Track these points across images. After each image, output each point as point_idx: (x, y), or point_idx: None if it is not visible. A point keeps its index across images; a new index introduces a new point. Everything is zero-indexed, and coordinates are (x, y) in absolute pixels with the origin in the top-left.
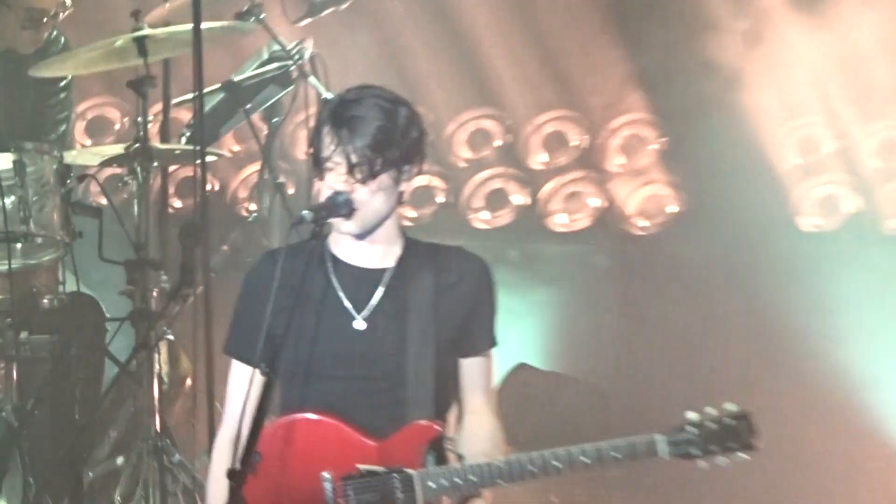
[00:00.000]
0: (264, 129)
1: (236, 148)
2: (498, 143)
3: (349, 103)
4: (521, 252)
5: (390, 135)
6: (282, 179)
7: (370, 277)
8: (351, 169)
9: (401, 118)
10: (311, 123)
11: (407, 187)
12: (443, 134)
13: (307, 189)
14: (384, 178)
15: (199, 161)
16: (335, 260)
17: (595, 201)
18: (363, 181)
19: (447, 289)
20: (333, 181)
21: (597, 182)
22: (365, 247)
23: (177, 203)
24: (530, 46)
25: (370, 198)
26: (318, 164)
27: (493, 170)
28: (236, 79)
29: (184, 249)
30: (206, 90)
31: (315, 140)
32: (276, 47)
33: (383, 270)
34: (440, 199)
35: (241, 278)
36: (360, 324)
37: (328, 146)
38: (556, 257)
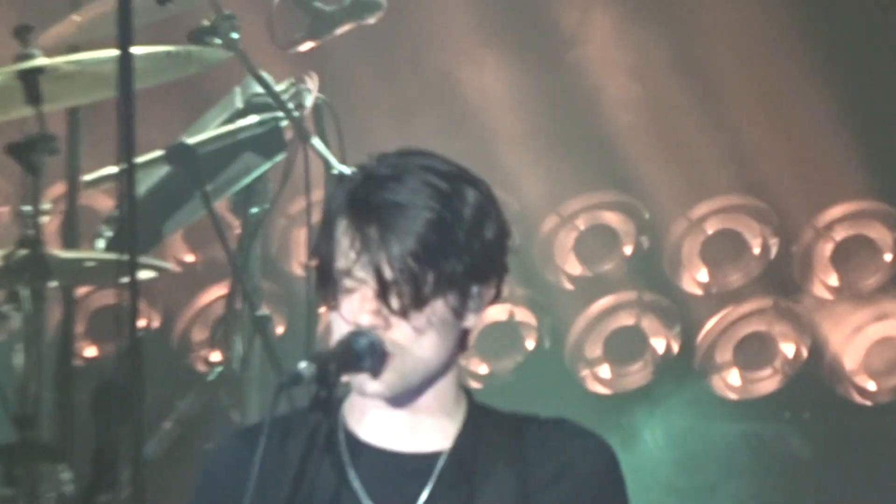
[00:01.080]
0: (236, 227)
1: (190, 258)
2: (628, 249)
3: (382, 182)
4: (665, 430)
5: (449, 234)
6: (265, 311)
7: (411, 469)
8: (384, 291)
9: (467, 207)
10: (317, 216)
11: (475, 322)
12: (536, 235)
13: (308, 326)
14: (438, 308)
15: (126, 279)
16: (353, 442)
17: (789, 348)
18: (404, 312)
19: (543, 488)
20: (355, 311)
21: (792, 317)
22: (403, 420)
23: (89, 349)
24: (683, 85)
25: (414, 340)
26: (328, 284)
27: (618, 295)
28: (190, 141)
29: (100, 428)
30: (140, 159)
31: (324, 244)
32: (257, 88)
33: (433, 457)
34: (530, 343)
35: (195, 472)
36: None
37: (346, 253)
38: (726, 440)
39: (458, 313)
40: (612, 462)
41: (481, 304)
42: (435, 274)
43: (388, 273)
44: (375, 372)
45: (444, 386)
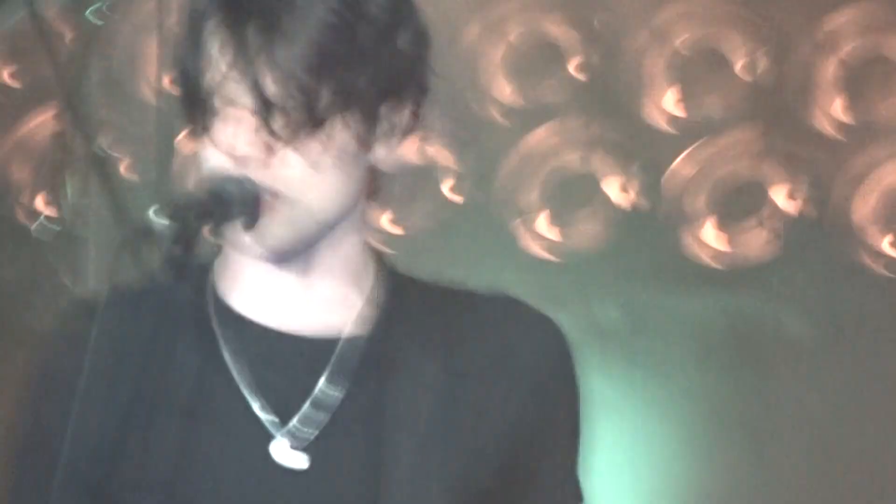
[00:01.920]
0: (67, 34)
1: (6, 75)
2: (572, 66)
3: None
4: (622, 303)
5: (351, 37)
6: (106, 148)
7: (304, 353)
8: (266, 110)
9: (374, 4)
10: (174, 19)
11: (385, 157)
12: (455, 49)
13: (159, 164)
14: (337, 133)
15: None
16: (227, 316)
17: (780, 194)
18: (293, 137)
19: (476, 380)
20: (230, 139)
21: (784, 155)
22: (294, 288)
23: None
24: None
25: (307, 175)
26: (193, 106)
27: (559, 125)
28: None
29: None
30: None
31: (187, 52)
32: None
33: (332, 339)
34: (447, 189)
35: (20, 354)
36: (288, 453)
37: (216, 63)
38: (700, 317)
39: (363, 141)
40: (564, 349)
41: (392, 132)
42: (332, 87)
43: (270, 87)
44: (249, 223)
45: (347, 243)
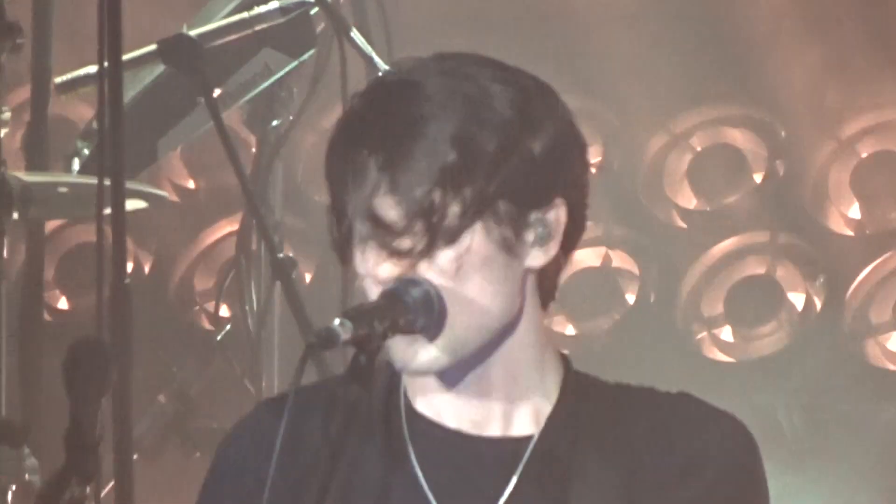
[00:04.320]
0: (251, 144)
1: (191, 184)
2: (758, 177)
3: (387, 91)
4: (806, 412)
5: (474, 148)
6: (288, 253)
7: (491, 457)
8: (391, 234)
9: (499, 113)
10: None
11: (547, 261)
12: (641, 158)
13: (343, 272)
14: (476, 242)
15: (109, 210)
16: (415, 419)
17: None
18: (426, 251)
19: (661, 487)
20: (368, 263)
21: None
22: (476, 399)
23: (61, 301)
24: None
25: (453, 282)
26: (339, 232)
27: (745, 236)
28: (193, 33)
29: (74, 401)
30: (127, 56)
31: (331, 175)
32: None
33: (518, 443)
34: (630, 296)
35: (201, 461)
36: None
37: (341, 188)
38: (884, 424)
39: (510, 247)
40: (752, 451)
41: (549, 236)
42: (458, 202)
43: (389, 211)
44: (432, 333)
45: (518, 349)
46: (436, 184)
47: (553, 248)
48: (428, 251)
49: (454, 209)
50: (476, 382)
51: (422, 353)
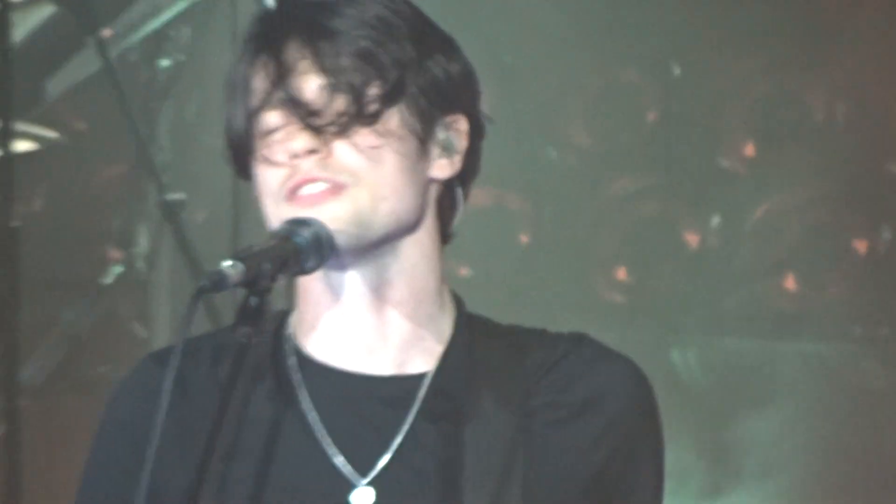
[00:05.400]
0: (141, 83)
1: (79, 125)
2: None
3: (303, 7)
4: (700, 350)
5: (396, 39)
6: (178, 194)
7: (384, 397)
8: (316, 109)
9: (417, 26)
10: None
11: (447, 175)
12: (538, 93)
13: (234, 212)
14: (392, 123)
15: None
16: (305, 363)
17: None
18: (345, 127)
19: (554, 426)
20: (284, 144)
21: None
22: (371, 328)
23: None
24: None
25: (365, 159)
26: (245, 151)
27: (640, 175)
28: None
29: None
30: None
31: (236, 100)
32: None
33: (412, 381)
34: (524, 237)
35: (92, 405)
36: (365, 496)
37: (260, 88)
38: (780, 363)
39: (421, 140)
40: (646, 394)
41: (453, 148)
42: (378, 83)
43: (311, 90)
44: (317, 265)
45: (419, 274)
46: (358, 59)
47: (457, 163)
48: (346, 129)
49: (373, 90)
50: (373, 309)
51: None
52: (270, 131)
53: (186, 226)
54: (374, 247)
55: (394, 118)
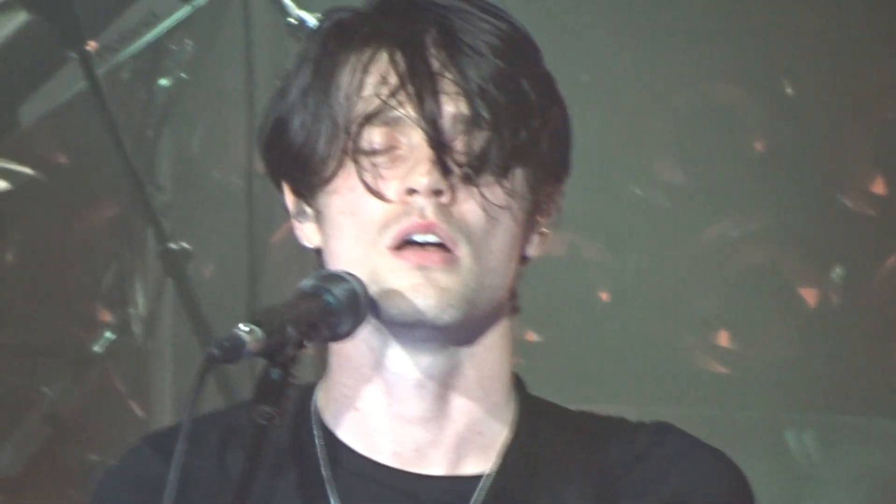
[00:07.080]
0: (135, 107)
1: (62, 159)
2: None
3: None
4: (822, 438)
5: (525, 83)
6: (181, 243)
7: (435, 500)
8: (444, 145)
9: (539, 66)
10: (265, 93)
11: (538, 248)
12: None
13: (250, 265)
14: (518, 182)
15: None
16: (336, 451)
17: None
18: (471, 177)
19: None
20: (407, 178)
21: None
22: (428, 413)
23: None
24: None
25: (485, 224)
26: (310, 166)
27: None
28: None
29: None
30: None
31: (304, 100)
32: None
33: (469, 483)
34: (602, 289)
35: (78, 501)
36: None
37: (370, 91)
38: None
39: (535, 208)
40: (741, 490)
41: (552, 217)
42: (524, 123)
43: (457, 108)
44: (350, 331)
45: (492, 360)
46: (505, 93)
47: (546, 240)
48: (478, 175)
49: (523, 134)
50: (440, 386)
51: (438, 285)
52: (375, 152)
53: (192, 281)
54: (464, 328)
55: (519, 176)
